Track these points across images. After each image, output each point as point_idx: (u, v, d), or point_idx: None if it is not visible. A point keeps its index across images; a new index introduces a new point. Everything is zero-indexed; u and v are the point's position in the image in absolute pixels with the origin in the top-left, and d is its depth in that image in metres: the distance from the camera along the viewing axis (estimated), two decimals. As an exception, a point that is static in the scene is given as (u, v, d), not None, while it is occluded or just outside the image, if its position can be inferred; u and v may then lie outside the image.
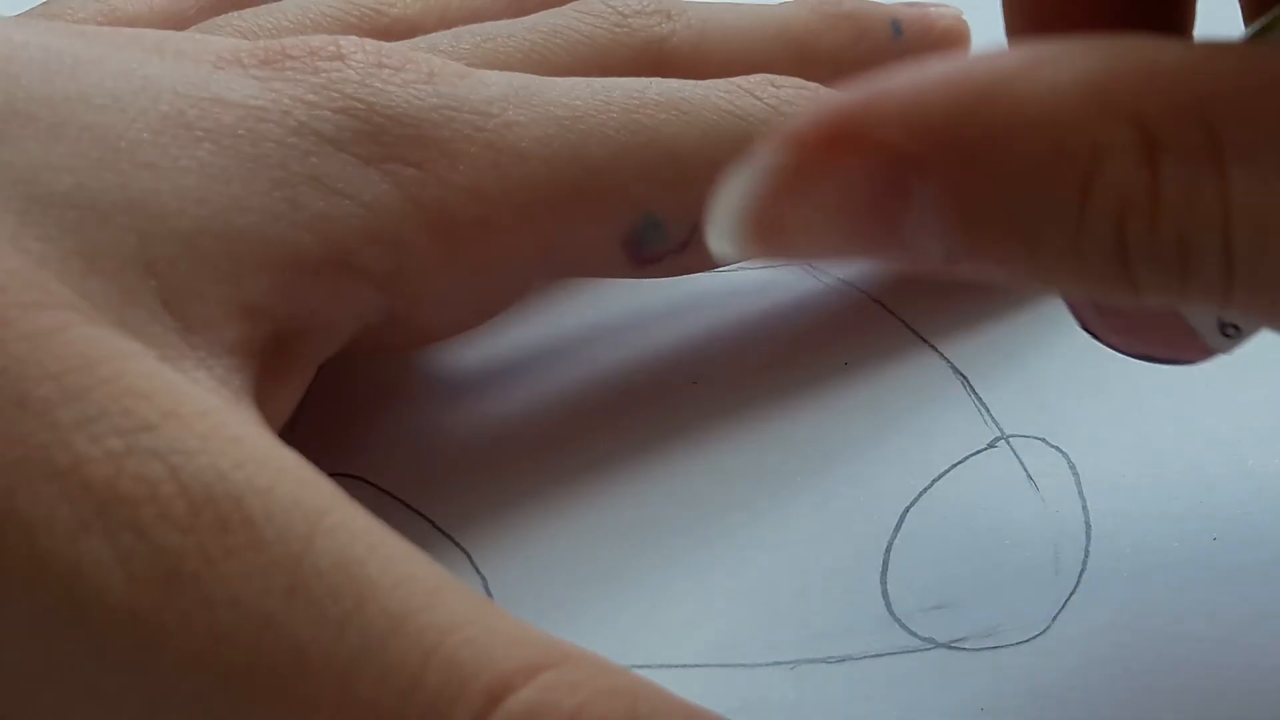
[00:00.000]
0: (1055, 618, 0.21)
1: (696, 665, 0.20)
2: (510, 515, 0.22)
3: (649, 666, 0.20)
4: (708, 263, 0.24)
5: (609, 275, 0.24)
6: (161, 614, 0.15)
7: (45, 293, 0.17)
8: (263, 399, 0.19)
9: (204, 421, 0.16)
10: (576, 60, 0.24)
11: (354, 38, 0.22)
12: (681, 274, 0.24)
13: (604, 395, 0.24)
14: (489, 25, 0.25)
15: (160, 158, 0.19)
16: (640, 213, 0.22)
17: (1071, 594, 0.21)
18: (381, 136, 0.21)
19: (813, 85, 0.24)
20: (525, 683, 0.15)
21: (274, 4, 0.25)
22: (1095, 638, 0.21)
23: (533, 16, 0.25)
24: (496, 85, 0.22)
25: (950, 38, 0.28)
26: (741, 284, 0.25)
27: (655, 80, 0.23)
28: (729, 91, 0.23)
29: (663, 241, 0.23)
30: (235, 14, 0.25)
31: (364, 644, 0.15)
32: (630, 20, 0.25)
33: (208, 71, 0.20)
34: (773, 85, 0.23)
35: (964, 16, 0.28)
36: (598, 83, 0.23)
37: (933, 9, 0.28)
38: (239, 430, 0.16)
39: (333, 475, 0.17)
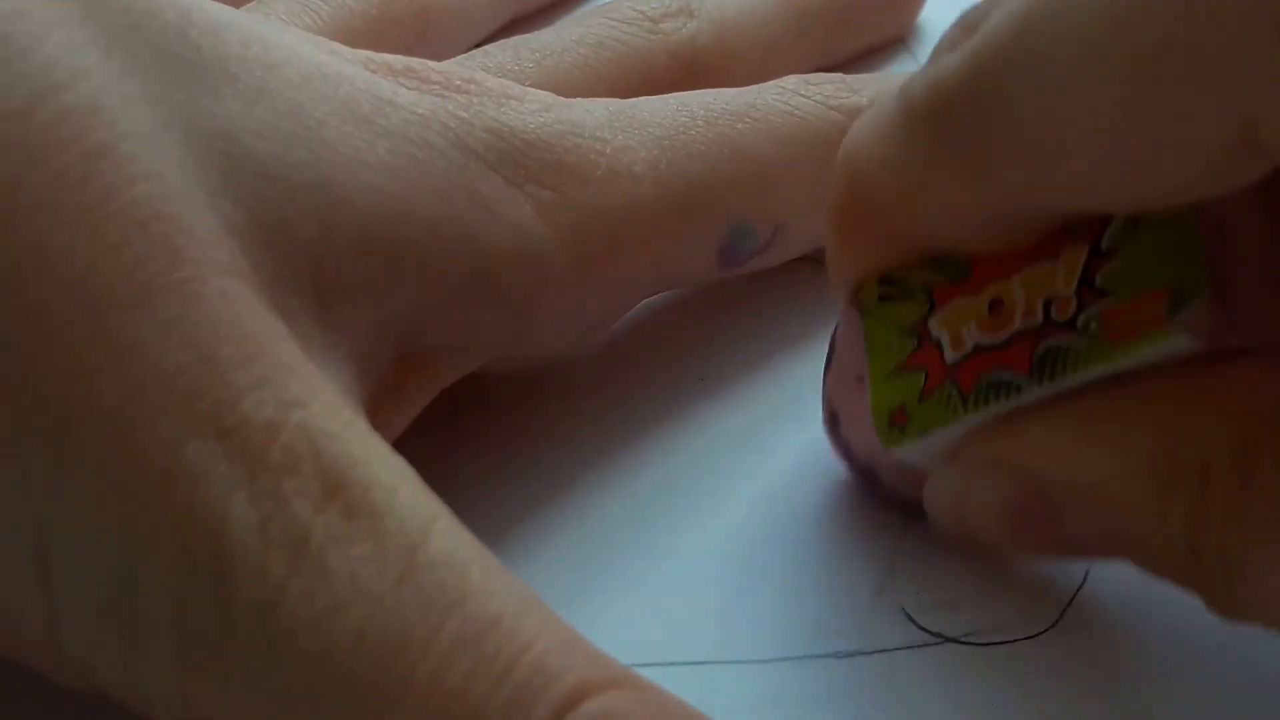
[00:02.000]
0: (1064, 612, 0.21)
1: (705, 663, 0.20)
2: (513, 510, 0.22)
3: (657, 664, 0.20)
4: (783, 258, 0.25)
5: (700, 282, 0.25)
6: (288, 580, 0.16)
7: (231, 258, 0.17)
8: (375, 416, 0.19)
9: (342, 412, 0.17)
10: (624, 71, 0.25)
11: (469, 69, 0.22)
12: (757, 270, 0.25)
13: (609, 391, 0.24)
14: (539, 40, 0.25)
15: (344, 145, 0.19)
16: (734, 220, 0.23)
17: (1079, 588, 0.21)
18: (522, 159, 0.21)
19: (837, 76, 0.25)
20: (602, 691, 0.15)
21: None
22: (1103, 632, 0.21)
23: (572, 29, 0.26)
24: (598, 111, 0.22)
25: None
26: (747, 280, 0.25)
27: (719, 91, 0.24)
28: (780, 94, 0.24)
29: (752, 245, 0.24)
30: None
31: (461, 635, 0.16)
32: (661, 25, 0.26)
33: (366, 71, 0.20)
34: (810, 84, 0.25)
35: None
36: (673, 100, 0.24)
37: None
38: (367, 429, 0.17)
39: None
